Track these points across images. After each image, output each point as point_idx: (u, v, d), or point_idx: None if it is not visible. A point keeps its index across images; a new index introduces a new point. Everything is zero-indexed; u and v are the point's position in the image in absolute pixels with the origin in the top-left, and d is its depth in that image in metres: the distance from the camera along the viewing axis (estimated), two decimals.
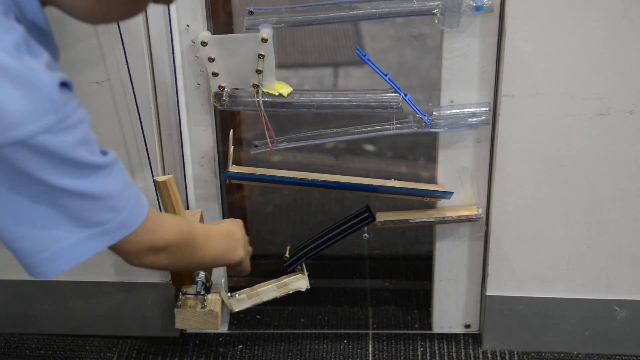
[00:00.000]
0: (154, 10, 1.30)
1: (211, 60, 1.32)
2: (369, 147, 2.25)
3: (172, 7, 1.29)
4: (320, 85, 2.81)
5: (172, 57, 1.33)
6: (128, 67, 1.33)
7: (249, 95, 1.35)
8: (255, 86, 1.34)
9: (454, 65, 1.32)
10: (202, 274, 1.35)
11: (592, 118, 1.32)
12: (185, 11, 1.31)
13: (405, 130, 1.37)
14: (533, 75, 1.29)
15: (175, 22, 1.31)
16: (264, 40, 1.29)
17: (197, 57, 1.34)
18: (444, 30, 1.29)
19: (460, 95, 1.35)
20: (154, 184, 1.26)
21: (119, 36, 1.30)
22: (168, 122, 1.40)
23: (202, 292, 1.35)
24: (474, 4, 1.25)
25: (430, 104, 1.36)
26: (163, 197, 1.25)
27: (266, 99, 1.34)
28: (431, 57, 2.81)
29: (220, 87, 1.35)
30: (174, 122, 1.40)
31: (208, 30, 1.33)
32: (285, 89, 1.34)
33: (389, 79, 1.33)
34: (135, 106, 1.36)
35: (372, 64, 1.32)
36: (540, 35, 1.26)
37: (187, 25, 1.32)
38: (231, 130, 1.43)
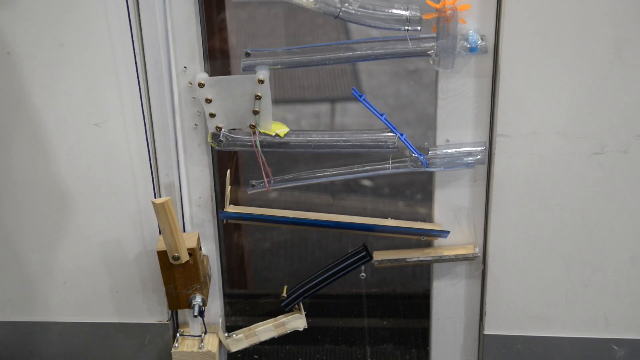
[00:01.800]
0: (151, 52, 1.31)
1: (208, 101, 1.33)
2: (366, 183, 2.26)
3: (170, 48, 1.30)
4: (317, 121, 2.83)
5: (170, 98, 1.34)
6: (126, 108, 1.34)
7: (246, 135, 1.36)
8: (252, 127, 1.34)
9: (449, 105, 1.33)
10: (198, 297, 1.36)
11: (587, 157, 1.32)
12: (182, 53, 1.32)
13: (401, 170, 1.37)
14: (528, 114, 1.30)
15: (173, 64, 1.32)
16: (261, 81, 1.30)
17: (194, 98, 1.35)
18: (439, 70, 1.30)
19: (456, 134, 1.36)
20: (153, 206, 1.27)
21: (117, 78, 1.32)
22: (165, 162, 1.41)
23: (197, 315, 1.36)
24: (468, 46, 1.27)
25: (426, 143, 1.37)
26: (161, 219, 1.26)
27: (263, 139, 1.35)
28: (427, 92, 2.83)
29: (217, 127, 1.36)
30: (171, 163, 1.40)
31: (205, 71, 1.35)
32: (282, 129, 1.35)
33: (384, 119, 1.34)
34: (138, 146, 1.37)
35: (368, 104, 1.33)
36: (535, 75, 1.27)
37: (185, 67, 1.33)
38: (228, 170, 1.43)
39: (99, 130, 1.36)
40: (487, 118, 1.34)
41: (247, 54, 1.31)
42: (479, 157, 1.35)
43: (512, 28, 1.24)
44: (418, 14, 1.26)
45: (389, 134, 1.34)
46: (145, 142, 1.37)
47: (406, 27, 1.27)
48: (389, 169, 1.37)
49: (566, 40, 1.24)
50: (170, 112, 1.36)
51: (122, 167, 1.39)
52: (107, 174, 1.40)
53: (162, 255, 1.34)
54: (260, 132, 1.35)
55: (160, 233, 1.29)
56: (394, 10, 1.27)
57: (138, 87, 1.33)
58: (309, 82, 3.09)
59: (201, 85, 1.31)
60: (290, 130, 1.35)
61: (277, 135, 1.35)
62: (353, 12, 1.26)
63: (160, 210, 1.25)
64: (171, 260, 1.33)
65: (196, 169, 1.42)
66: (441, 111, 1.34)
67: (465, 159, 1.35)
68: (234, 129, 1.36)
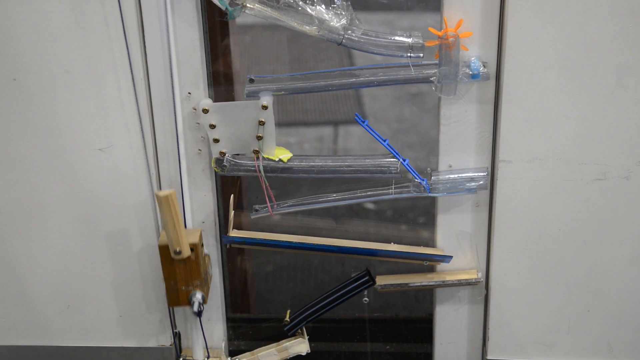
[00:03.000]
0: (156, 78, 1.33)
1: (212, 126, 1.34)
2: (369, 206, 2.26)
3: (175, 75, 1.31)
4: (320, 145, 2.84)
5: (174, 123, 1.35)
6: (131, 133, 1.35)
7: (249, 160, 1.37)
8: (256, 152, 1.35)
9: (452, 131, 1.34)
10: (198, 294, 1.35)
11: (588, 183, 1.33)
12: (186, 79, 1.33)
13: (404, 195, 1.38)
14: (530, 140, 1.31)
15: (177, 90, 1.33)
16: (264, 107, 1.31)
17: (198, 123, 1.36)
18: (442, 97, 1.31)
19: (459, 159, 1.36)
20: (156, 199, 1.27)
21: (122, 103, 1.33)
22: (169, 187, 1.41)
23: (196, 312, 1.36)
24: (470, 72, 1.28)
25: (428, 168, 1.38)
26: (164, 213, 1.26)
27: (266, 165, 1.36)
28: (430, 115, 2.84)
29: (221, 153, 1.37)
30: (175, 188, 1.41)
31: (209, 97, 1.36)
32: (285, 155, 1.36)
33: (387, 144, 1.35)
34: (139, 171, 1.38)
35: (371, 130, 1.34)
36: (536, 101, 1.28)
37: (189, 93, 1.34)
38: (232, 195, 1.44)
39: (103, 155, 1.37)
40: (490, 144, 1.35)
41: (251, 80, 1.33)
42: (481, 182, 1.35)
43: (514, 55, 1.25)
44: (420, 41, 1.27)
45: (392, 159, 1.35)
46: (148, 167, 1.38)
47: (409, 54, 1.28)
48: (391, 194, 1.38)
49: (568, 67, 1.25)
50: (174, 137, 1.37)
51: (126, 192, 1.40)
52: (111, 199, 1.41)
53: (163, 249, 1.33)
54: (263, 158, 1.36)
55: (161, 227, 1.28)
56: (397, 38, 1.28)
57: (138, 114, 1.34)
58: (312, 106, 3.11)
59: (205, 111, 1.33)
60: (293, 155, 1.36)
61: (280, 160, 1.35)
62: (356, 39, 1.27)
63: (164, 203, 1.24)
64: (172, 255, 1.32)
65: (200, 193, 1.42)
66: (444, 137, 1.35)
67: (467, 184, 1.35)
68: (237, 154, 1.37)
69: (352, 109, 3.05)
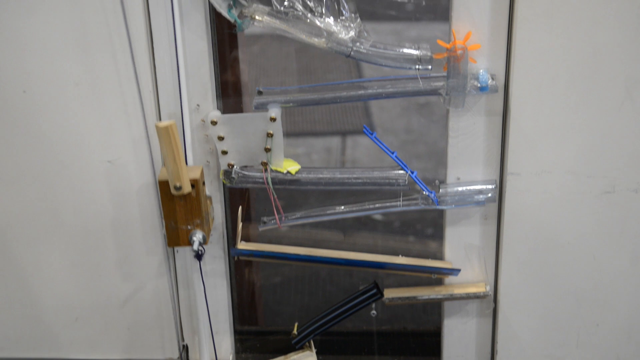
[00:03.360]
0: (164, 89, 1.33)
1: (220, 138, 1.34)
2: (377, 217, 2.26)
3: (183, 86, 1.31)
4: (328, 155, 2.84)
5: (182, 135, 1.36)
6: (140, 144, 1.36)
7: (257, 172, 1.37)
8: (264, 164, 1.35)
9: (460, 143, 1.34)
10: (199, 234, 1.32)
11: (597, 196, 1.32)
12: (195, 91, 1.34)
13: (412, 207, 1.38)
14: (538, 153, 1.31)
15: (186, 102, 1.33)
16: (273, 119, 1.31)
17: (207, 135, 1.36)
18: (450, 109, 1.31)
19: (467, 172, 1.36)
20: (156, 130, 1.22)
21: (129, 115, 1.33)
22: None
23: (196, 252, 1.32)
24: (479, 85, 1.28)
25: (437, 181, 1.38)
26: (164, 144, 1.21)
27: (274, 177, 1.36)
28: (438, 125, 2.84)
29: (229, 164, 1.37)
30: None
31: (218, 108, 1.36)
32: (293, 167, 1.36)
33: (395, 156, 1.35)
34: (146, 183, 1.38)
35: (379, 142, 1.34)
36: (545, 114, 1.28)
37: (198, 105, 1.35)
38: (240, 207, 1.44)
39: (112, 167, 1.37)
40: (498, 156, 1.34)
41: (260, 92, 1.33)
42: (489, 195, 1.35)
43: (522, 67, 1.25)
44: (429, 54, 1.27)
45: (400, 171, 1.35)
46: (156, 179, 1.37)
47: (417, 67, 1.28)
48: (399, 206, 1.38)
49: (576, 79, 1.25)
50: (182, 149, 1.37)
51: (134, 205, 1.40)
52: (120, 211, 1.41)
53: (163, 185, 1.28)
54: (271, 170, 1.36)
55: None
56: (405, 50, 1.28)
57: (145, 126, 1.34)
58: (320, 116, 3.11)
59: (214, 122, 1.33)
60: (301, 167, 1.36)
61: (288, 172, 1.35)
62: (364, 51, 1.27)
63: (164, 135, 1.19)
64: (172, 191, 1.27)
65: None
66: (452, 149, 1.35)
67: (476, 197, 1.35)
68: (245, 166, 1.37)
69: (360, 120, 3.06)
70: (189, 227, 1.32)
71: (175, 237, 1.34)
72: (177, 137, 1.22)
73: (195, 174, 1.31)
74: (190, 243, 1.33)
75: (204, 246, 1.34)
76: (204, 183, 1.36)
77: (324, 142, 2.99)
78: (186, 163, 1.37)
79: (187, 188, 1.28)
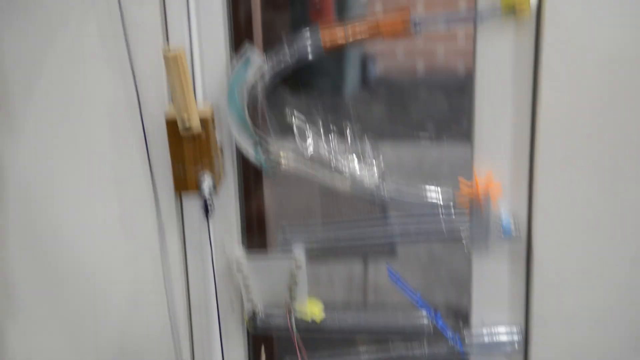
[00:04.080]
0: (190, 227, 1.35)
1: (245, 278, 1.35)
2: None
3: (211, 230, 1.33)
4: (350, 282, 2.82)
5: (211, 277, 1.36)
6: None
7: (282, 318, 1.37)
8: (288, 308, 1.35)
9: (484, 287, 1.33)
10: (209, 179, 1.24)
11: (626, 346, 1.30)
12: (221, 230, 1.36)
13: (437, 352, 1.36)
14: (564, 300, 1.29)
15: (213, 241, 1.34)
16: (297, 260, 1.32)
17: (231, 275, 1.37)
18: (473, 254, 1.32)
19: (491, 316, 1.35)
20: (164, 61, 1.11)
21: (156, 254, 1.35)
22: (200, 339, 1.41)
23: (205, 198, 1.23)
24: (502, 230, 1.28)
25: (461, 323, 1.36)
26: (172, 76, 1.12)
27: (299, 323, 1.36)
28: (461, 249, 2.83)
29: (253, 307, 1.37)
30: (206, 348, 1.41)
31: (242, 244, 1.37)
32: (317, 313, 1.35)
33: (418, 298, 1.35)
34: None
35: (403, 284, 1.34)
36: (570, 259, 1.27)
37: (223, 244, 1.36)
38: (262, 347, 1.43)
39: (135, 311, 1.38)
40: (523, 301, 1.33)
41: (284, 231, 1.34)
42: (515, 344, 1.33)
43: (545, 212, 1.25)
44: (452, 200, 1.29)
45: (424, 315, 1.35)
46: (172, 326, 1.39)
47: (440, 213, 1.29)
48: (424, 353, 1.37)
49: (598, 226, 1.25)
50: (208, 290, 1.37)
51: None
52: (137, 339, 1.40)
53: (170, 125, 1.20)
54: (295, 316, 1.36)
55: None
56: (429, 194, 1.30)
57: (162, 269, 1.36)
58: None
59: (239, 264, 1.34)
60: (324, 306, 1.36)
61: (313, 320, 1.35)
62: (387, 196, 1.29)
63: (172, 64, 1.09)
64: (181, 130, 1.19)
65: (232, 352, 1.42)
66: (476, 293, 1.34)
67: (501, 345, 1.33)
68: (269, 313, 1.38)
69: (381, 244, 3.05)
70: (197, 170, 1.23)
71: (182, 181, 1.25)
72: (186, 67, 1.12)
73: (206, 114, 1.21)
74: (199, 187, 1.24)
75: None
76: (214, 127, 1.26)
77: (346, 268, 2.98)
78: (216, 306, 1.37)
79: (196, 127, 1.19)
